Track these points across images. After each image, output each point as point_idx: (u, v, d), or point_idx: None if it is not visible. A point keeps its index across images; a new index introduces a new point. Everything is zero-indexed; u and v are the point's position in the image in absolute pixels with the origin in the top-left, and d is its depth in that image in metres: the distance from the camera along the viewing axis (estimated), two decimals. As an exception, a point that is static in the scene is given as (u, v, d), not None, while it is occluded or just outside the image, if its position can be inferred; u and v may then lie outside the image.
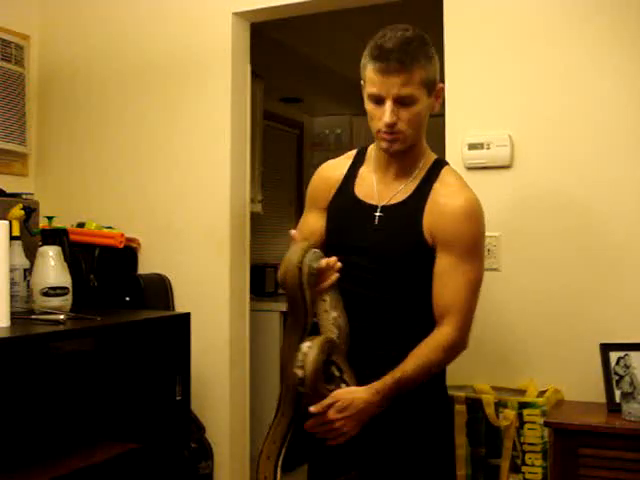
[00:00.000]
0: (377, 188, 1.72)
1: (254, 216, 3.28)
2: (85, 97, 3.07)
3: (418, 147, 1.70)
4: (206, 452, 2.68)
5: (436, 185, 1.68)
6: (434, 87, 1.64)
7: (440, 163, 1.74)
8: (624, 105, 2.16)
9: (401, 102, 1.58)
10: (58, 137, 3.12)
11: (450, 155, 2.36)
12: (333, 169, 1.83)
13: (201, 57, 2.82)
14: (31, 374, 2.15)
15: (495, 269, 2.27)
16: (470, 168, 2.33)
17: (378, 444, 1.65)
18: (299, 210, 1.92)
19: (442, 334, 1.62)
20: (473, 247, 1.65)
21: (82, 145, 3.07)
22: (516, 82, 2.30)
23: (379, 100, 1.60)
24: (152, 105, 2.92)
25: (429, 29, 2.38)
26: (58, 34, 3.13)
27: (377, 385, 1.56)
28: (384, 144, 1.64)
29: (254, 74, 2.99)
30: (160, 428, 2.38)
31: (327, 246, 1.75)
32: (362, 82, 1.66)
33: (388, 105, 1.58)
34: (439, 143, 2.38)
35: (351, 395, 1.54)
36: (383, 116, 1.59)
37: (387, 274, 1.65)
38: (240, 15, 2.81)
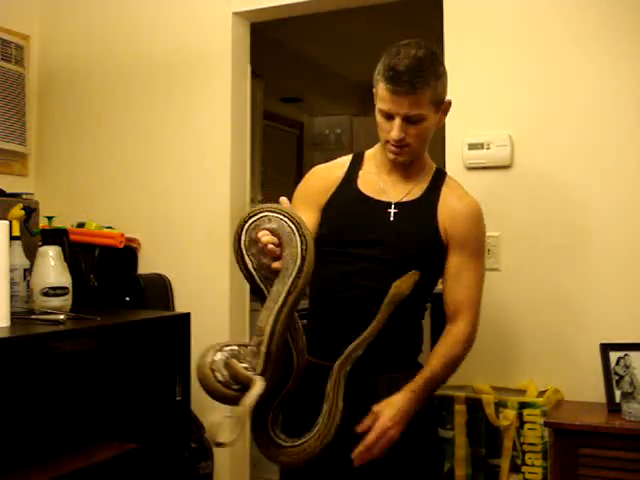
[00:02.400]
0: (385, 187, 1.77)
1: (254, 216, 3.27)
2: (85, 97, 3.07)
3: (422, 156, 1.79)
4: (206, 452, 2.68)
5: (444, 189, 1.77)
6: (442, 103, 1.70)
7: (442, 171, 1.84)
8: (624, 105, 2.16)
9: (409, 120, 1.65)
10: (58, 137, 3.12)
11: (450, 155, 2.36)
12: (329, 171, 1.84)
13: (201, 57, 2.82)
14: (31, 374, 2.15)
15: (495, 269, 2.27)
16: (470, 168, 2.33)
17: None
18: (298, 209, 1.90)
19: (459, 330, 1.70)
20: (481, 246, 1.78)
21: (82, 145, 3.07)
22: (516, 82, 2.29)
23: (389, 116, 1.66)
24: (152, 105, 2.92)
25: (429, 29, 2.39)
26: (58, 34, 3.13)
27: (410, 385, 1.63)
28: (391, 155, 1.72)
29: (254, 74, 2.99)
30: (160, 428, 2.38)
31: (328, 241, 1.73)
32: (374, 90, 1.70)
33: (397, 122, 1.65)
34: (439, 143, 2.38)
35: (392, 403, 1.59)
36: (392, 130, 1.66)
37: (401, 266, 1.68)
38: (240, 15, 2.81)
